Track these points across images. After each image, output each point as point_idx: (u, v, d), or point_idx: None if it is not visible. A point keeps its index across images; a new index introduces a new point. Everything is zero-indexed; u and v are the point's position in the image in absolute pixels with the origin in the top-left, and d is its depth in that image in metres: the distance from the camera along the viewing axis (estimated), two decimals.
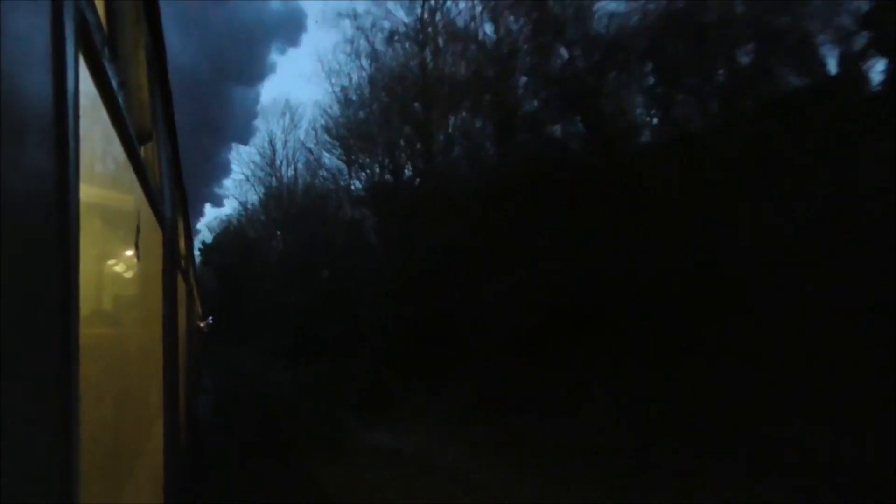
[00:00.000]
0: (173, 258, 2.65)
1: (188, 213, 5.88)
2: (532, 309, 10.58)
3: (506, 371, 10.80)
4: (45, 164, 0.63)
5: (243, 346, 30.15)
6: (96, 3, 1.00)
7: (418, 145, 18.54)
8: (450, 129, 17.29)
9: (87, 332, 0.84)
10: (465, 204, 13.52)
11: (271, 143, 38.81)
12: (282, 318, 25.31)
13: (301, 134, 43.73)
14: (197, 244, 41.01)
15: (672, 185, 9.26)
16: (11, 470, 0.51)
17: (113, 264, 1.30)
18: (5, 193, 0.51)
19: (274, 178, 37.99)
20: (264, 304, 29.74)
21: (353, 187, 24.86)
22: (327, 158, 27.07)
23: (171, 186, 2.81)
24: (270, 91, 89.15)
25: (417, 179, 18.53)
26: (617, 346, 9.00)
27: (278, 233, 34.24)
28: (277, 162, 38.39)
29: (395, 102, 18.76)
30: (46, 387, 0.63)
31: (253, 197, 40.87)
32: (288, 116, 43.47)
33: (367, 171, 22.34)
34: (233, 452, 8.80)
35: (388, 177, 20.67)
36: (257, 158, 40.84)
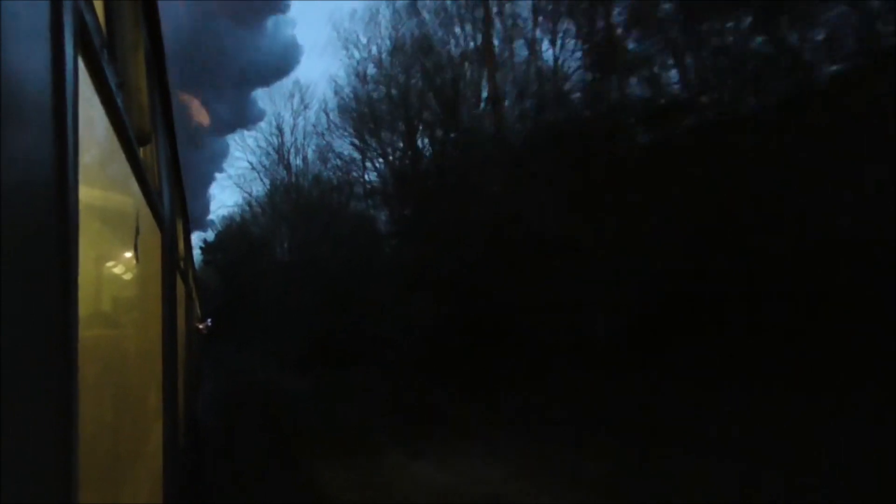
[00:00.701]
0: (172, 260, 2.65)
1: (187, 214, 5.87)
2: (628, 306, 8.55)
3: (595, 383, 8.48)
4: (44, 166, 0.63)
5: (248, 349, 27.93)
6: (95, 4, 1.00)
7: (444, 120, 16.24)
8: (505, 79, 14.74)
9: (86, 333, 0.85)
10: (523, 181, 11.04)
11: (279, 128, 35.93)
12: (291, 320, 23.38)
13: (311, 116, 41.18)
14: (198, 242, 40.11)
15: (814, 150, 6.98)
16: (11, 471, 0.51)
17: (112, 266, 1.30)
18: (4, 195, 0.51)
19: (281, 167, 35.30)
20: (271, 304, 28.00)
21: (366, 178, 22.74)
22: (339, 144, 24.77)
23: (171, 188, 2.81)
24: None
25: (455, 150, 15.89)
26: (765, 355, 6.66)
27: (284, 229, 32.29)
28: (286, 148, 35.41)
29: (420, 61, 16.47)
30: (46, 388, 0.63)
31: (258, 188, 38.65)
32: (297, 97, 40.70)
33: (387, 154, 20.19)
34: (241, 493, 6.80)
35: (406, 162, 18.80)
36: (264, 144, 38.15)
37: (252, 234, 36.48)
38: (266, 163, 36.46)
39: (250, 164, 43.00)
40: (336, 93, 25.15)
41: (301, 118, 38.29)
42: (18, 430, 0.53)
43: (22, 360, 0.55)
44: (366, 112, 21.32)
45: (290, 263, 29.17)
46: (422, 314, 13.43)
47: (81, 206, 0.75)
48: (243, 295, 33.64)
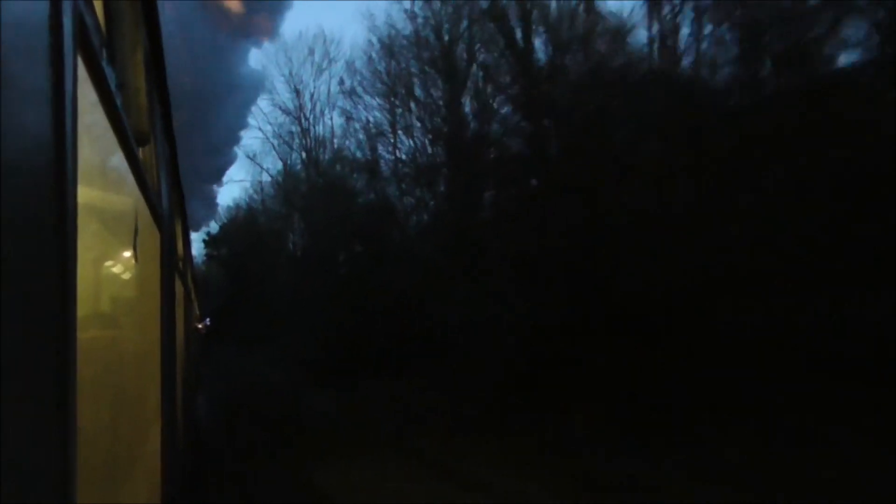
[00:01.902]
0: (171, 260, 2.65)
1: (186, 214, 5.87)
2: None
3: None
4: (44, 166, 0.63)
5: (256, 352, 24.95)
6: (94, 4, 1.00)
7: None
8: None
9: (85, 334, 0.84)
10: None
11: (297, 92, 30.87)
12: (307, 320, 20.22)
13: (338, 70, 34.63)
14: (201, 235, 38.85)
15: None
16: (9, 471, 0.51)
17: (111, 266, 1.30)
18: (3, 195, 0.51)
19: (298, 139, 30.57)
20: (282, 301, 25.13)
21: (397, 154, 19.25)
22: (364, 112, 20.52)
23: (169, 188, 2.81)
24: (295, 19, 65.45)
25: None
26: None
27: (297, 215, 28.58)
28: (305, 114, 30.30)
29: None
30: (44, 389, 0.63)
31: (271, 162, 35.09)
32: (319, 53, 34.16)
33: (439, 109, 16.35)
34: None
35: (450, 124, 15.34)
36: (280, 106, 33.38)
37: (260, 224, 33.64)
38: (283, 133, 31.83)
39: (262, 131, 39.28)
40: (375, 37, 20.00)
41: (325, 75, 32.99)
42: (16, 431, 0.53)
43: (20, 360, 0.55)
44: (404, 69, 17.43)
45: (304, 254, 26.20)
46: (507, 307, 9.45)
47: (80, 207, 0.75)
48: (250, 292, 31.03)
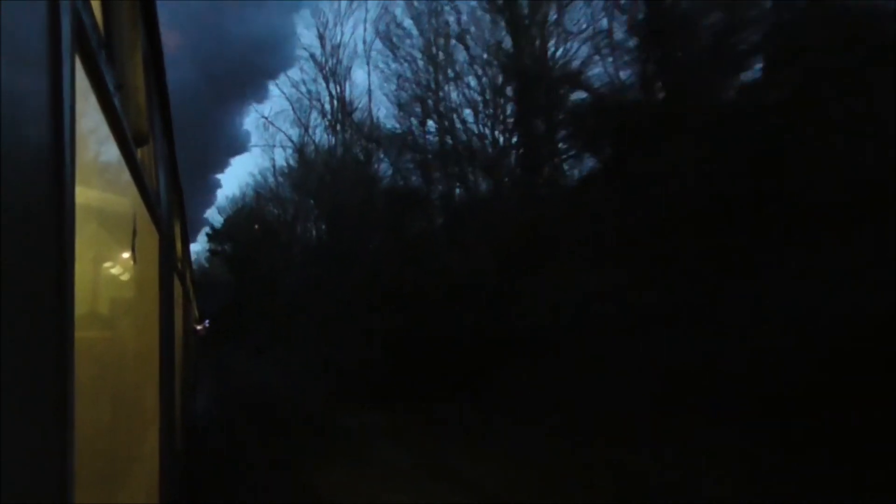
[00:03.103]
0: (170, 261, 2.65)
1: (185, 214, 5.87)
2: None
3: None
4: (41, 167, 0.63)
5: (265, 358, 22.00)
6: (92, 4, 1.00)
7: None
8: None
9: (83, 335, 0.84)
10: None
11: (320, 38, 26.28)
12: (327, 321, 16.91)
13: (373, 7, 30.44)
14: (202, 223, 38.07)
15: None
16: (6, 472, 0.51)
17: (109, 267, 1.30)
18: (1, 195, 0.51)
19: (322, 99, 26.18)
20: (295, 300, 22.43)
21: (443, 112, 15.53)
22: (403, 61, 16.84)
23: (168, 189, 2.81)
24: None
25: None
26: None
27: (313, 201, 25.48)
28: (328, 69, 25.76)
29: None
30: (41, 390, 0.63)
31: (286, 135, 31.76)
32: None
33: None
34: None
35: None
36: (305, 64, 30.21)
37: (270, 214, 31.11)
38: (302, 93, 27.71)
39: (278, 87, 36.55)
40: None
41: (358, 13, 29.59)
42: (14, 432, 0.53)
43: (17, 361, 0.55)
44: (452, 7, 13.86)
45: (324, 243, 23.21)
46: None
47: (78, 208, 0.74)
48: (257, 289, 28.49)
